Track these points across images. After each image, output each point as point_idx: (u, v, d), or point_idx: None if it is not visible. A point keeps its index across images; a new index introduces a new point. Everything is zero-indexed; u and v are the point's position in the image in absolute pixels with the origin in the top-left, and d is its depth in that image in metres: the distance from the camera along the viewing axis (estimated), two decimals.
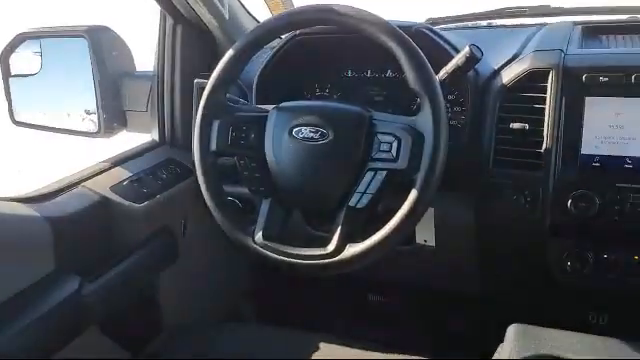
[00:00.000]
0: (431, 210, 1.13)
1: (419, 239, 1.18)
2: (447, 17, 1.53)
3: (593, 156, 1.02)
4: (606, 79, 1.00)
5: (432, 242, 1.16)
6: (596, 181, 1.01)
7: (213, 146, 1.03)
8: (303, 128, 0.99)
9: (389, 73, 1.26)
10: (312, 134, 0.98)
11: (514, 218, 1.06)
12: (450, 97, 1.17)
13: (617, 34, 1.24)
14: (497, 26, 1.50)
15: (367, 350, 1.10)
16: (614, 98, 1.00)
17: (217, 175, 1.04)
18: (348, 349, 1.11)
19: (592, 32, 1.25)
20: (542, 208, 1.03)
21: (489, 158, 1.08)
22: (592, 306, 1.14)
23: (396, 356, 1.07)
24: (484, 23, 1.54)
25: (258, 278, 1.64)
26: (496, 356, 0.82)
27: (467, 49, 1.00)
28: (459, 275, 1.26)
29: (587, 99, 1.01)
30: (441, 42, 1.13)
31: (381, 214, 0.96)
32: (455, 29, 1.52)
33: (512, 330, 0.84)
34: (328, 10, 0.98)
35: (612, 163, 1.01)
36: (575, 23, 1.27)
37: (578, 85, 1.01)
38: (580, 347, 0.79)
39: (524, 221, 1.05)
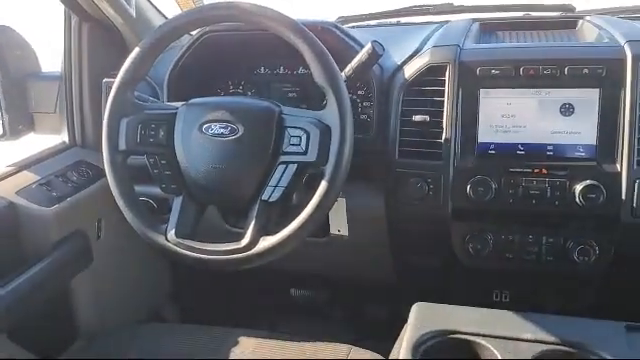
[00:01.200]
0: (343, 200, 1.17)
1: (333, 229, 1.21)
2: (357, 15, 1.58)
3: (489, 144, 1.09)
4: (497, 72, 1.07)
5: (345, 232, 1.20)
6: (492, 167, 1.08)
7: (122, 145, 1.02)
8: (213, 124, 1.00)
9: (301, 70, 1.29)
10: (222, 130, 0.99)
11: (419, 205, 1.11)
12: (360, 92, 1.21)
13: (512, 30, 1.33)
14: (405, 24, 1.56)
15: (288, 341, 1.12)
16: (505, 89, 1.07)
17: (127, 174, 1.04)
18: (270, 341, 1.13)
19: (489, 28, 1.34)
20: (444, 194, 1.09)
21: (395, 149, 1.13)
22: (495, 284, 1.21)
23: (315, 345, 1.10)
24: (394, 21, 1.60)
25: (180, 279, 1.63)
26: (401, 335, 0.86)
27: (369, 45, 1.05)
28: (374, 262, 1.31)
29: (481, 91, 1.08)
30: (347, 39, 1.17)
31: (295, 206, 0.99)
32: (366, 27, 1.57)
33: (415, 309, 0.89)
34: (234, 8, 1.00)
35: (505, 150, 1.08)
36: (474, 20, 1.35)
37: (473, 78, 1.08)
38: (477, 320, 0.85)
39: (429, 207, 1.11)
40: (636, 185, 1.00)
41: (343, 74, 1.07)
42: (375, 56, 1.06)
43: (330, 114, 0.96)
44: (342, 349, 1.06)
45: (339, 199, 1.15)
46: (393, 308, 1.55)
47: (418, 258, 1.24)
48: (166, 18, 1.41)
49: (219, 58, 1.28)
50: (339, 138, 0.94)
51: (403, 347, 0.80)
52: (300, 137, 0.97)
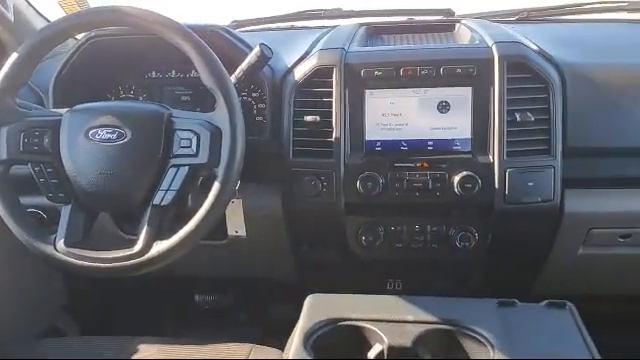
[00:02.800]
0: (239, 201, 1.19)
1: (231, 231, 1.23)
2: (251, 20, 1.61)
3: (376, 141, 1.15)
4: (380, 73, 1.13)
5: (243, 233, 1.22)
6: (379, 163, 1.14)
7: (3, 154, 0.99)
8: (99, 130, 0.98)
9: (193, 73, 1.29)
10: (109, 135, 0.98)
11: (314, 202, 1.15)
12: (254, 94, 1.23)
13: (396, 34, 1.41)
14: (299, 28, 1.61)
15: (190, 345, 1.12)
16: (388, 89, 1.14)
17: (10, 185, 1.00)
18: (172, 346, 1.12)
19: (375, 32, 1.41)
20: (336, 190, 1.14)
21: (289, 149, 1.16)
22: (389, 274, 1.28)
23: (217, 347, 1.11)
24: (288, 25, 1.64)
25: (76, 289, 1.57)
26: (295, 328, 0.89)
27: (257, 48, 1.08)
28: (275, 261, 1.34)
29: (366, 91, 1.14)
30: (236, 42, 1.19)
31: (191, 209, 0.99)
32: (260, 31, 1.60)
33: (308, 300, 0.93)
34: (119, 12, 0.99)
35: (391, 146, 1.15)
36: (361, 24, 1.42)
37: (358, 79, 1.14)
38: (367, 307, 0.90)
39: (323, 204, 1.15)
40: (507, 174, 1.10)
41: (233, 77, 1.09)
42: (264, 58, 1.09)
43: (220, 116, 0.97)
44: (243, 349, 1.08)
45: (235, 200, 1.17)
46: (297, 305, 1.58)
47: (316, 254, 1.28)
48: (49, 22, 1.37)
49: (108, 63, 1.26)
50: (230, 139, 0.96)
51: (295, 338, 0.83)
52: (190, 139, 0.98)
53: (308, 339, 0.83)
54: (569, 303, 0.90)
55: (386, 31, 1.41)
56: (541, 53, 1.16)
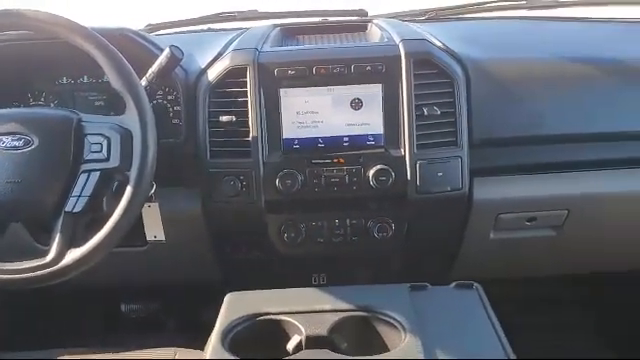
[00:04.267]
0: (156, 205, 1.17)
1: (149, 236, 1.21)
2: (166, 22, 1.59)
3: (293, 139, 1.17)
4: (293, 72, 1.15)
5: (162, 237, 1.20)
6: (297, 160, 1.16)
7: None
8: (4, 137, 0.96)
9: (105, 77, 1.26)
10: (15, 142, 0.96)
11: (234, 202, 1.16)
12: (170, 97, 1.22)
13: (310, 34, 1.44)
14: (215, 30, 1.61)
15: (114, 353, 1.10)
16: (302, 88, 1.16)
17: None
18: (95, 355, 1.10)
19: (289, 33, 1.43)
20: (256, 190, 1.15)
21: (206, 150, 1.16)
22: (313, 269, 1.30)
23: (142, 352, 1.10)
24: (205, 27, 1.64)
25: None
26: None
27: (167, 50, 1.08)
28: (198, 264, 1.33)
29: (281, 90, 1.16)
30: (147, 44, 1.18)
31: (107, 215, 0.98)
32: (175, 34, 1.59)
33: (227, 299, 0.94)
34: (18, 15, 0.97)
35: (308, 144, 1.17)
36: (275, 26, 1.44)
37: (272, 78, 1.15)
38: (285, 300, 0.91)
39: (243, 203, 1.16)
40: (417, 166, 1.15)
41: (144, 79, 1.09)
42: (174, 60, 1.09)
43: (130, 118, 0.97)
44: (167, 353, 1.07)
45: (152, 204, 1.16)
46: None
47: (240, 254, 1.28)
48: None
49: (15, 69, 1.22)
50: (141, 142, 0.96)
51: (212, 337, 0.83)
52: (101, 144, 0.97)
53: (226, 336, 0.84)
54: (476, 284, 0.95)
55: (300, 32, 1.44)
56: (446, 50, 1.22)
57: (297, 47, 1.29)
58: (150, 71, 1.09)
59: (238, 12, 1.56)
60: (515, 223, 1.25)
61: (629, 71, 1.24)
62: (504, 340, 0.82)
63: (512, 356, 0.78)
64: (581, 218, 1.24)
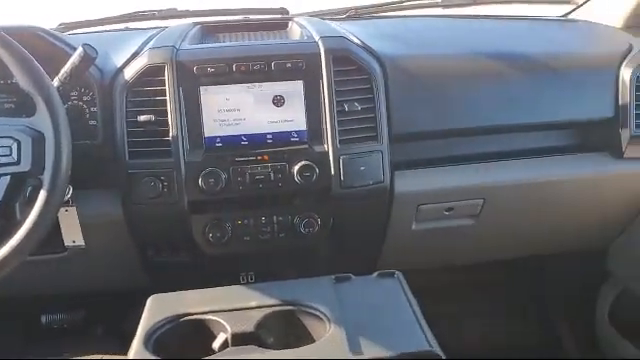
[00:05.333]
0: (74, 209, 1.13)
1: (68, 241, 1.17)
2: (81, 21, 1.54)
3: (215, 138, 1.16)
4: (213, 69, 1.14)
5: (81, 242, 1.16)
6: (220, 159, 1.15)
7: None
8: None
9: (15, 78, 1.21)
10: None
11: (156, 203, 1.14)
12: (86, 98, 1.18)
13: (231, 32, 1.43)
14: (133, 29, 1.56)
15: None
16: (223, 86, 1.15)
17: None
18: None
19: (210, 31, 1.42)
20: (178, 190, 1.13)
21: (125, 151, 1.13)
22: (240, 267, 1.29)
23: None
24: (123, 26, 1.59)
25: None
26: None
27: (80, 49, 1.04)
28: (122, 269, 1.30)
29: (201, 88, 1.14)
30: (59, 44, 1.14)
31: (20, 222, 0.93)
32: (91, 33, 1.54)
33: (149, 301, 0.92)
34: None
35: (231, 142, 1.16)
36: (195, 24, 1.42)
37: (191, 76, 1.14)
38: (210, 300, 0.91)
39: (165, 204, 1.14)
40: (340, 161, 1.16)
41: (57, 79, 1.05)
42: (88, 59, 1.05)
43: (41, 120, 0.93)
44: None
45: (69, 208, 1.12)
46: None
47: (164, 256, 1.25)
48: None
49: None
50: (54, 144, 0.92)
51: (135, 340, 0.81)
52: (10, 147, 0.93)
53: (149, 339, 0.82)
54: (398, 272, 0.98)
55: (220, 30, 1.43)
56: (364, 47, 1.24)
57: (217, 45, 1.28)
58: (62, 71, 1.05)
59: (157, 10, 1.53)
60: (434, 213, 1.30)
61: (536, 66, 1.32)
62: (425, 326, 0.85)
63: (433, 342, 0.81)
64: (496, 206, 1.31)
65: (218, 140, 1.16)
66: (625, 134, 1.28)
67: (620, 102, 1.28)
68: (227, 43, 1.32)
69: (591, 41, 1.46)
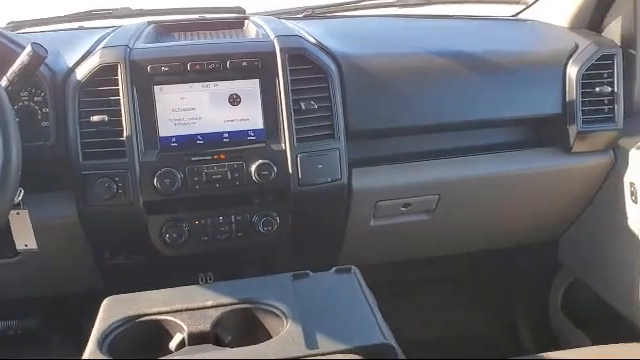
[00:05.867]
0: (25, 212, 1.10)
1: (20, 245, 1.14)
2: (31, 20, 1.51)
3: (170, 137, 1.15)
4: (167, 68, 1.13)
5: (34, 245, 1.13)
6: (176, 159, 1.14)
7: None
8: None
9: None
10: None
11: (110, 205, 1.12)
12: (37, 98, 1.15)
13: (187, 31, 1.42)
14: (87, 28, 1.54)
15: None
16: (178, 85, 1.14)
17: None
18: None
19: (165, 30, 1.41)
20: (133, 190, 1.12)
21: (78, 152, 1.11)
22: (199, 268, 1.28)
23: None
24: (76, 26, 1.56)
25: None
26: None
27: (29, 48, 1.02)
28: (78, 272, 1.27)
29: (155, 87, 1.13)
30: (7, 43, 1.10)
31: None
32: (43, 32, 1.50)
33: (104, 303, 0.91)
34: None
35: (186, 141, 1.15)
36: (150, 22, 1.40)
37: (145, 76, 1.13)
38: (166, 300, 0.90)
39: (120, 206, 1.12)
40: (298, 159, 1.17)
41: (5, 79, 1.03)
42: (37, 58, 1.03)
43: None
44: None
45: (20, 211, 1.09)
46: None
47: (121, 258, 1.24)
48: None
49: None
50: (2, 145, 0.90)
51: (89, 343, 0.80)
52: None
53: (104, 340, 0.81)
54: (354, 268, 0.99)
55: (175, 29, 1.42)
56: (319, 46, 1.26)
57: (171, 43, 1.27)
58: (11, 70, 1.03)
59: (111, 9, 1.51)
60: (392, 209, 1.32)
61: (487, 64, 1.35)
62: (380, 320, 0.86)
63: (388, 334, 0.83)
64: (451, 202, 1.34)
65: (173, 140, 1.16)
66: (572, 130, 1.33)
67: (567, 99, 1.33)
68: (182, 42, 1.31)
69: (540, 40, 1.51)
